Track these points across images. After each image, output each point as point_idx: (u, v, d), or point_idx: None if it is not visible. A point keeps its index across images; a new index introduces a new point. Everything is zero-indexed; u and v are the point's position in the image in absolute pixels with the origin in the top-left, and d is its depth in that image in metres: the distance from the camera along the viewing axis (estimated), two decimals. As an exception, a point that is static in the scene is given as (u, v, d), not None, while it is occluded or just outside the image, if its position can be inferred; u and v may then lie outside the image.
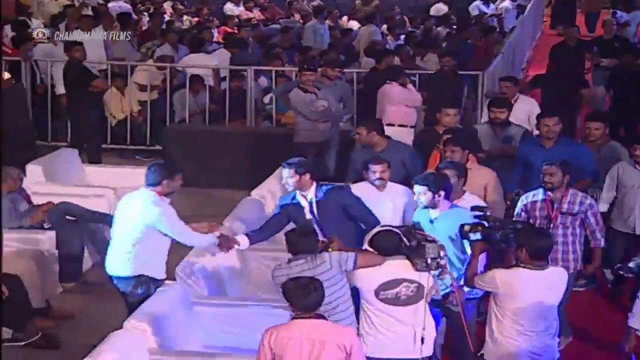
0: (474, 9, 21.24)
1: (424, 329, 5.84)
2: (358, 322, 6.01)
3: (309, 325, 5.30)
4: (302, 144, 10.54)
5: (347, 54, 15.80)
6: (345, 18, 20.54)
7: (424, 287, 5.86)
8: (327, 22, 17.84)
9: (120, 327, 6.18)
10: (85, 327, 7.63)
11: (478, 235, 6.15)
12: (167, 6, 19.85)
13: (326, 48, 15.45)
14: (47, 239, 8.39)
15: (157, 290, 6.73)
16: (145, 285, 6.79)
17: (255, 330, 5.61)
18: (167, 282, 6.94)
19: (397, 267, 5.87)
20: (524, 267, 5.87)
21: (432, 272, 5.84)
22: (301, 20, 19.19)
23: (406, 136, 10.40)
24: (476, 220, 6.26)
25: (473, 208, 6.45)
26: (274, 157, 10.41)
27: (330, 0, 21.25)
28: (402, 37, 17.23)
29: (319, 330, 5.31)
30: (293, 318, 5.36)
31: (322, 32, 16.92)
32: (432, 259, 5.81)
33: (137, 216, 6.76)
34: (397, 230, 6.00)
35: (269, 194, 9.00)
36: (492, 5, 21.57)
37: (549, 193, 7.25)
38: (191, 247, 7.32)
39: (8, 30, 14.06)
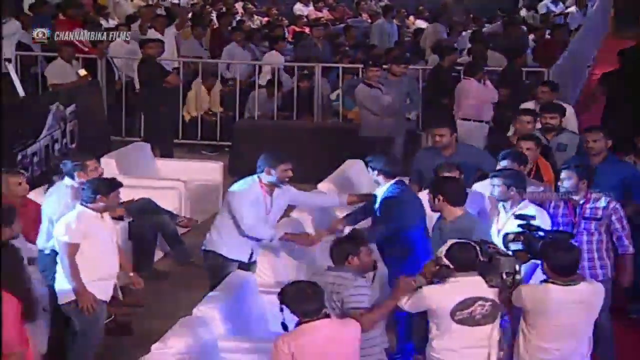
0: (542, 7, 21.18)
1: (500, 350, 5.56)
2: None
3: (319, 328, 5.12)
4: (367, 139, 10.63)
5: (413, 52, 15.91)
6: (412, 17, 20.64)
7: (498, 304, 5.53)
8: (394, 21, 17.96)
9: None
10: (156, 315, 7.80)
11: (519, 245, 5.78)
12: (238, 6, 20.11)
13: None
14: (120, 230, 8.55)
15: (226, 277, 6.92)
16: (214, 261, 7.12)
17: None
18: (237, 270, 7.13)
19: (471, 285, 5.51)
20: (552, 282, 5.50)
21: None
22: (369, 20, 19.29)
23: (480, 131, 10.42)
24: (519, 229, 5.93)
25: (517, 217, 6.15)
26: (340, 152, 10.65)
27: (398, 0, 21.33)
28: (464, 33, 17.22)
29: (331, 329, 5.15)
30: (299, 324, 5.16)
31: (389, 31, 17.01)
32: (507, 273, 5.48)
33: None
34: (473, 244, 5.60)
35: (335, 187, 9.14)
36: (560, 4, 21.47)
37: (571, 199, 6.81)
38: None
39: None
